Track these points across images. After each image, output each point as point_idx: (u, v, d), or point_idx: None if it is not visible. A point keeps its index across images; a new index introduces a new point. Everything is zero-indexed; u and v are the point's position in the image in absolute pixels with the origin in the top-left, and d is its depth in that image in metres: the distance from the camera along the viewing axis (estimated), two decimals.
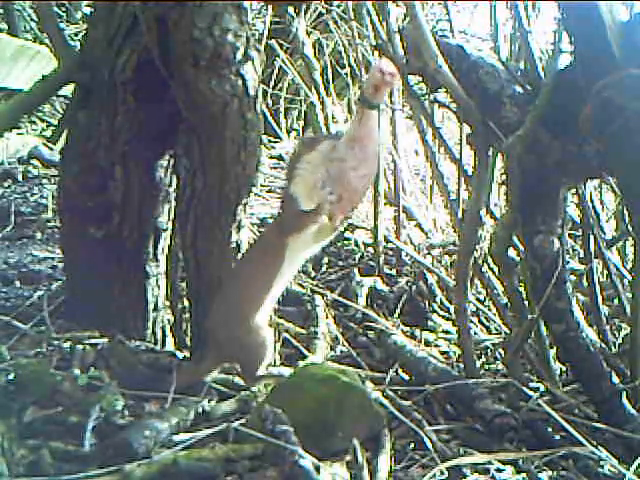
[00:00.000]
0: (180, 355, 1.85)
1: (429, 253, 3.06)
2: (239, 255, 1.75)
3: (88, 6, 5.27)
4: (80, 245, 1.90)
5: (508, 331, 2.00)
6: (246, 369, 1.68)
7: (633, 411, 1.69)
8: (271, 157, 4.60)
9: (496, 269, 2.02)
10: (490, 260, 2.16)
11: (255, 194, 1.80)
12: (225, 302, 1.66)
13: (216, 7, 1.55)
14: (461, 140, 2.08)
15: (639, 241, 1.67)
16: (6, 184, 3.50)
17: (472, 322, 2.39)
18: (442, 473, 1.39)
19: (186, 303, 1.95)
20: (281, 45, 4.39)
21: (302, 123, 5.63)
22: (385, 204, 3.11)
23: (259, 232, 2.74)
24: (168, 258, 1.98)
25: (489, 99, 1.72)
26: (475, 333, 2.37)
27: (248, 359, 1.66)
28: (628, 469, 1.42)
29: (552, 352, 1.86)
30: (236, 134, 1.66)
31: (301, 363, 1.85)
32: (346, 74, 4.30)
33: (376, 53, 2.49)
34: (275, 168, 4.40)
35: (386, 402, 1.66)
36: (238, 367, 1.70)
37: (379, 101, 1.56)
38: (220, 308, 1.66)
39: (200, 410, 1.53)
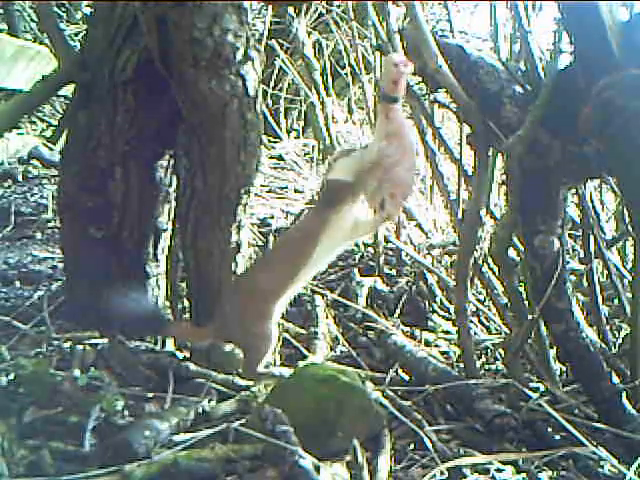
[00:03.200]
0: (180, 355, 1.84)
1: (429, 253, 3.06)
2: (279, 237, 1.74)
3: (88, 6, 5.26)
4: (80, 245, 1.90)
5: (508, 331, 1.99)
6: (248, 357, 1.68)
7: (633, 411, 1.68)
8: (271, 157, 4.60)
9: (496, 269, 2.02)
10: (490, 260, 2.16)
11: (255, 194, 1.79)
12: (245, 284, 1.66)
13: (216, 7, 1.55)
14: (461, 140, 2.07)
15: (639, 241, 1.67)
16: (6, 184, 3.50)
17: (472, 322, 2.39)
18: (442, 473, 1.39)
19: (186, 303, 1.95)
20: (281, 45, 4.39)
21: (302, 123, 5.63)
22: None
23: (259, 232, 2.74)
24: (168, 258, 1.98)
25: (489, 99, 1.72)
26: (475, 333, 2.36)
27: (251, 347, 1.66)
28: (628, 469, 1.42)
29: (552, 352, 1.86)
30: (236, 134, 1.66)
31: (301, 363, 1.85)
32: (346, 74, 4.30)
33: (377, 53, 2.49)
34: (275, 168, 4.40)
35: (386, 402, 1.66)
36: (239, 357, 1.70)
37: (400, 94, 1.57)
38: (238, 288, 1.66)
39: (200, 410, 1.53)
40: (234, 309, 1.64)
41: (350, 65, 4.11)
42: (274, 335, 1.66)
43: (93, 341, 1.78)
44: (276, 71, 4.83)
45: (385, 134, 1.57)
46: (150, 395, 1.60)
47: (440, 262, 3.01)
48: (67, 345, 1.75)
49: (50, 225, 2.97)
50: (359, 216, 1.63)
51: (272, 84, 4.99)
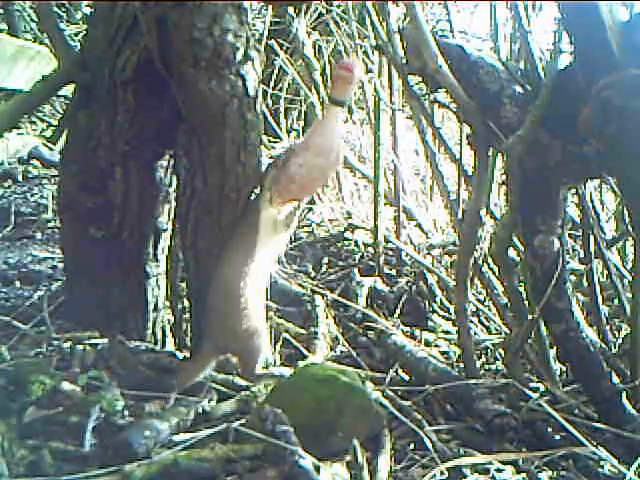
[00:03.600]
0: (180, 355, 1.85)
1: (429, 253, 3.06)
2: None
3: (88, 6, 5.27)
4: (80, 245, 1.90)
5: (508, 331, 1.99)
6: (243, 361, 1.69)
7: (633, 411, 1.69)
8: (271, 157, 4.59)
9: (496, 269, 2.02)
10: (490, 260, 2.16)
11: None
12: (215, 285, 1.66)
13: (216, 7, 1.55)
14: (461, 140, 2.08)
15: (639, 241, 1.67)
16: (6, 184, 3.51)
17: (472, 322, 2.39)
18: (442, 473, 1.39)
19: (186, 303, 1.95)
20: (281, 45, 4.39)
21: (302, 123, 5.62)
22: (385, 204, 3.11)
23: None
24: (168, 258, 1.98)
25: (489, 99, 1.72)
26: (475, 333, 2.36)
27: (244, 350, 1.67)
28: (628, 469, 1.42)
29: (552, 352, 1.86)
30: (236, 134, 1.66)
31: (301, 363, 1.85)
32: None
33: (377, 53, 2.49)
34: None
35: (386, 402, 1.66)
36: (236, 359, 1.71)
37: (339, 97, 1.59)
38: (211, 292, 1.67)
39: (200, 410, 1.53)
40: (217, 317, 1.66)
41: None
42: (263, 332, 1.67)
43: (93, 341, 1.78)
44: (276, 71, 4.83)
45: (309, 130, 1.61)
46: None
47: (440, 262, 3.01)
48: (67, 345, 1.75)
49: (50, 225, 2.97)
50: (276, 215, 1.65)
51: (272, 84, 4.99)
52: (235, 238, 1.67)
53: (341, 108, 1.62)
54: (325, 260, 2.96)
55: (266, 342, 1.71)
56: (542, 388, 1.83)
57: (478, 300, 2.59)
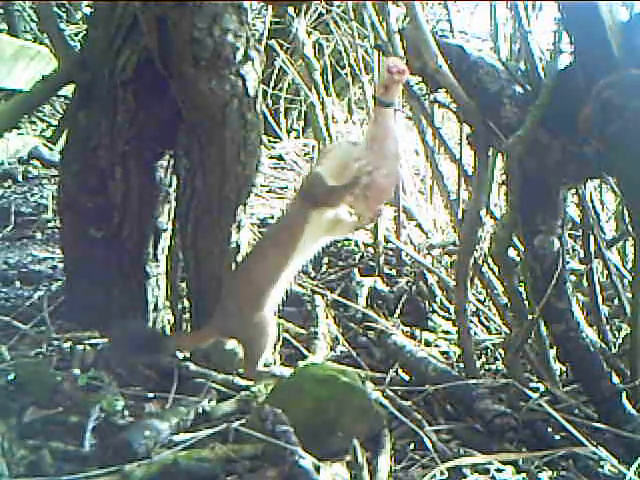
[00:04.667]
0: (180, 355, 1.84)
1: (429, 253, 3.06)
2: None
3: (88, 6, 5.26)
4: (80, 245, 1.90)
5: (508, 331, 1.99)
6: (248, 353, 1.69)
7: (633, 411, 1.69)
8: (271, 157, 4.59)
9: (496, 269, 2.02)
10: (490, 260, 2.16)
11: (255, 194, 1.80)
12: (242, 274, 1.68)
13: (216, 7, 1.55)
14: (461, 140, 2.07)
15: (639, 241, 1.67)
16: (6, 184, 3.50)
17: (472, 322, 2.39)
18: (442, 473, 1.39)
19: (186, 303, 1.95)
20: (281, 45, 4.39)
21: (302, 123, 5.62)
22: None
23: (259, 232, 2.75)
24: (168, 258, 1.98)
25: (489, 99, 1.72)
26: (475, 333, 2.36)
27: (250, 341, 1.68)
28: (628, 469, 1.42)
29: (552, 352, 1.86)
30: (236, 134, 1.66)
31: (301, 363, 1.85)
32: (346, 74, 4.30)
33: (377, 53, 2.49)
34: (275, 168, 4.40)
35: (386, 402, 1.66)
36: (241, 352, 1.71)
37: (392, 99, 1.59)
38: (237, 280, 1.69)
39: (200, 410, 1.53)
40: (233, 302, 1.67)
41: (350, 65, 4.11)
42: (272, 328, 1.68)
43: (93, 341, 1.78)
44: (276, 71, 4.83)
45: (370, 137, 1.60)
46: (150, 395, 1.60)
47: (440, 262, 3.01)
48: (67, 345, 1.75)
49: (50, 225, 2.97)
50: (340, 215, 1.65)
51: (272, 84, 4.99)
52: (274, 242, 1.67)
53: (392, 109, 1.62)
54: (325, 260, 2.96)
55: (273, 340, 1.71)
56: (542, 388, 1.83)
57: (478, 300, 2.59)
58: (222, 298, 1.69)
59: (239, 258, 1.78)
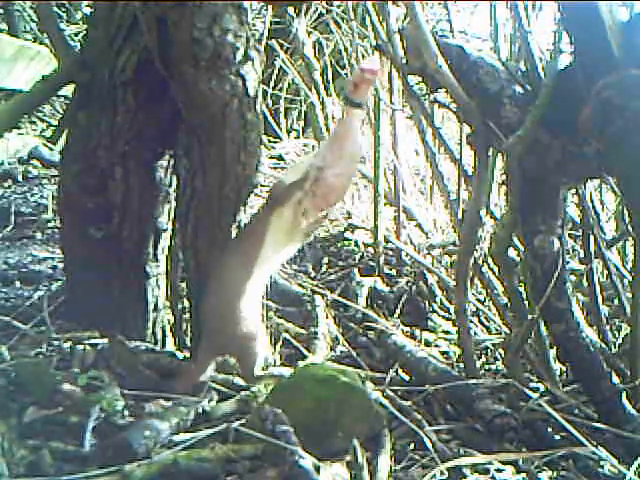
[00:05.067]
0: (180, 355, 1.85)
1: (429, 253, 3.06)
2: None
3: (88, 6, 5.26)
4: (80, 245, 1.90)
5: (508, 331, 1.99)
6: (241, 363, 1.69)
7: (633, 411, 1.68)
8: (271, 157, 4.60)
9: (496, 269, 2.02)
10: (490, 260, 2.16)
11: (255, 194, 1.80)
12: (213, 287, 1.67)
13: (216, 7, 1.55)
14: (461, 140, 2.07)
15: (639, 241, 1.67)
16: (6, 184, 3.50)
17: (472, 322, 2.39)
18: (442, 473, 1.39)
19: (186, 303, 1.95)
20: (281, 45, 4.39)
21: (302, 123, 5.63)
22: (385, 204, 3.11)
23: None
24: (168, 258, 1.98)
25: (489, 99, 1.72)
26: (475, 333, 2.36)
27: (241, 351, 1.68)
28: (628, 469, 1.42)
29: (552, 352, 1.86)
30: (236, 134, 1.66)
31: (301, 363, 1.85)
32: (346, 74, 4.30)
33: (377, 53, 2.48)
34: (275, 168, 4.40)
35: (386, 402, 1.66)
36: (235, 360, 1.71)
37: (360, 99, 1.59)
38: (209, 295, 1.68)
39: (200, 410, 1.53)
40: (213, 320, 1.66)
41: (350, 65, 4.11)
42: (260, 334, 1.67)
43: (93, 341, 1.78)
44: (276, 71, 4.83)
45: (331, 135, 1.60)
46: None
47: (440, 262, 3.01)
48: (67, 345, 1.75)
49: (50, 225, 2.97)
50: (297, 220, 1.64)
51: (272, 84, 4.99)
52: (239, 248, 1.67)
53: (361, 110, 1.62)
54: (325, 260, 2.96)
55: (264, 344, 1.71)
56: (542, 388, 1.83)
57: (478, 300, 2.59)
58: (203, 316, 1.69)
59: None
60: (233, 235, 1.74)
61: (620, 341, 2.19)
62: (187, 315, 1.95)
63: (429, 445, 1.50)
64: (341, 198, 1.77)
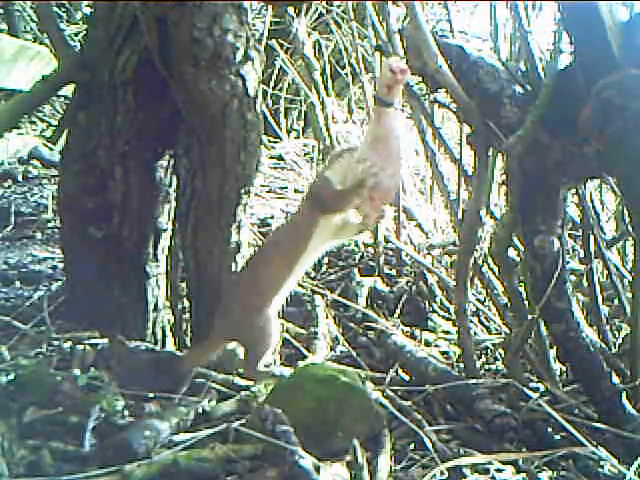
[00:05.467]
0: (180, 355, 1.84)
1: (429, 253, 3.06)
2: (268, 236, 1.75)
3: (88, 6, 5.26)
4: (80, 245, 1.90)
5: (508, 331, 1.99)
6: (250, 354, 1.69)
7: (633, 411, 1.69)
8: (271, 157, 4.60)
9: (496, 269, 2.02)
10: (490, 260, 2.16)
11: (255, 194, 1.79)
12: (246, 280, 1.67)
13: (216, 7, 1.55)
14: (461, 140, 2.08)
15: (639, 241, 1.67)
16: (6, 184, 3.50)
17: (472, 322, 2.39)
18: (442, 473, 1.39)
19: (186, 303, 1.95)
20: (281, 45, 4.39)
21: (302, 123, 5.63)
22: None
23: (259, 232, 2.74)
24: (168, 258, 1.98)
25: (489, 99, 1.72)
26: (475, 333, 2.36)
27: (254, 342, 1.68)
28: (628, 469, 1.42)
29: (552, 352, 1.86)
30: (236, 134, 1.66)
31: (301, 363, 1.85)
32: (346, 74, 4.30)
33: (377, 53, 2.49)
34: (275, 168, 4.40)
35: (386, 402, 1.66)
36: (240, 355, 1.71)
37: (394, 99, 1.58)
38: (239, 286, 1.68)
39: (200, 410, 1.53)
40: (236, 307, 1.66)
41: (350, 65, 4.11)
42: (276, 331, 1.68)
43: (93, 341, 1.78)
44: (276, 71, 4.83)
45: (372, 138, 1.59)
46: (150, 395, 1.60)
47: (440, 262, 3.01)
48: (67, 345, 1.75)
49: (50, 225, 2.97)
50: (347, 218, 1.64)
51: (272, 84, 4.99)
52: (282, 243, 1.67)
53: (393, 108, 1.62)
54: (325, 260, 2.96)
55: (276, 341, 1.71)
56: (542, 388, 1.83)
57: (478, 300, 2.59)
58: (223, 303, 1.69)
59: (239, 258, 1.78)
60: (233, 235, 1.74)
61: (620, 341, 2.19)
62: (187, 315, 1.95)
63: (429, 445, 1.51)
64: (393, 198, 1.77)
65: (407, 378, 1.94)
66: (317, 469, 1.28)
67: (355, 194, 1.58)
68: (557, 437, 1.64)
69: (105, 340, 1.78)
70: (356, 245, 3.11)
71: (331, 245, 1.73)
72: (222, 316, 1.68)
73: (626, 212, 1.86)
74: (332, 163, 1.64)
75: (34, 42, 4.76)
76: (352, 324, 2.33)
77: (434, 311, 2.61)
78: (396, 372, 1.96)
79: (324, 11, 4.33)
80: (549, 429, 1.66)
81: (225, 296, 1.69)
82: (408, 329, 2.37)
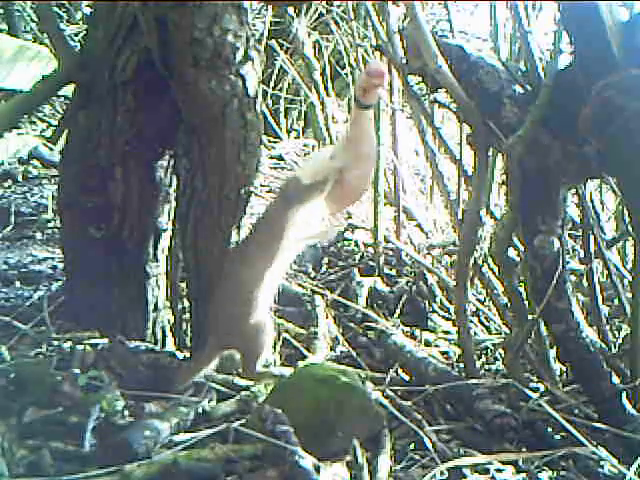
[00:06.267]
0: (180, 355, 1.84)
1: (429, 253, 3.07)
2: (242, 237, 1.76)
3: (88, 6, 5.26)
4: (80, 245, 1.90)
5: (508, 331, 1.99)
6: (246, 357, 1.69)
7: (633, 411, 1.68)
8: (271, 157, 4.60)
9: (496, 269, 2.02)
10: (490, 260, 2.16)
11: (255, 194, 1.80)
12: (228, 283, 1.67)
13: (216, 7, 1.55)
14: (461, 140, 2.07)
15: (639, 241, 1.67)
16: (6, 184, 3.50)
17: (472, 322, 2.39)
18: (442, 473, 1.39)
19: (186, 303, 1.95)
20: (281, 45, 4.39)
21: (302, 123, 5.63)
22: (385, 204, 3.11)
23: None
24: (168, 258, 1.98)
25: (489, 99, 1.72)
26: (475, 333, 2.36)
27: (249, 346, 1.67)
28: (628, 469, 1.42)
29: (552, 352, 1.86)
30: (236, 134, 1.66)
31: (301, 363, 1.85)
32: (346, 74, 4.30)
33: (376, 53, 2.49)
34: (275, 168, 4.40)
35: (386, 402, 1.66)
36: (238, 357, 1.71)
37: (370, 102, 1.60)
38: (223, 290, 1.67)
39: (200, 410, 1.53)
40: (225, 311, 1.66)
41: (350, 65, 4.12)
42: (269, 327, 1.67)
43: (93, 341, 1.78)
44: (276, 71, 4.83)
45: (346, 137, 1.62)
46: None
47: (440, 262, 3.01)
48: (67, 345, 1.75)
49: (50, 225, 2.97)
50: (314, 215, 1.66)
51: (272, 84, 4.99)
52: (257, 245, 1.67)
53: (371, 111, 1.64)
54: (325, 260, 2.96)
55: (271, 339, 1.71)
56: (542, 388, 1.83)
57: (478, 300, 2.59)
58: (212, 311, 1.69)
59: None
60: (233, 235, 1.74)
61: (620, 341, 2.19)
62: (187, 315, 1.95)
63: (429, 445, 1.51)
64: (359, 198, 1.80)
65: (407, 378, 1.94)
66: (317, 469, 1.28)
67: (317, 189, 1.61)
68: (557, 437, 1.64)
69: (105, 340, 1.78)
70: (356, 245, 3.12)
71: (304, 243, 1.74)
72: (214, 325, 1.68)
73: (626, 212, 1.86)
74: (307, 160, 1.67)
75: (34, 42, 4.76)
76: (352, 324, 2.33)
77: (434, 311, 2.61)
78: (396, 372, 1.96)
79: (324, 11, 4.33)
80: (549, 429, 1.66)
81: (213, 304, 1.69)
82: (408, 329, 2.37)
